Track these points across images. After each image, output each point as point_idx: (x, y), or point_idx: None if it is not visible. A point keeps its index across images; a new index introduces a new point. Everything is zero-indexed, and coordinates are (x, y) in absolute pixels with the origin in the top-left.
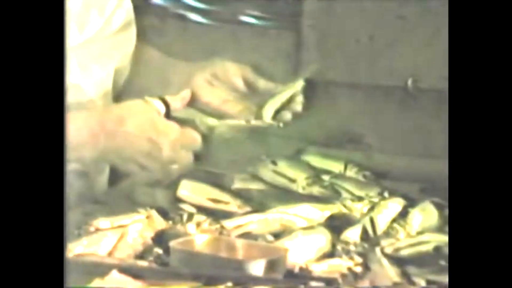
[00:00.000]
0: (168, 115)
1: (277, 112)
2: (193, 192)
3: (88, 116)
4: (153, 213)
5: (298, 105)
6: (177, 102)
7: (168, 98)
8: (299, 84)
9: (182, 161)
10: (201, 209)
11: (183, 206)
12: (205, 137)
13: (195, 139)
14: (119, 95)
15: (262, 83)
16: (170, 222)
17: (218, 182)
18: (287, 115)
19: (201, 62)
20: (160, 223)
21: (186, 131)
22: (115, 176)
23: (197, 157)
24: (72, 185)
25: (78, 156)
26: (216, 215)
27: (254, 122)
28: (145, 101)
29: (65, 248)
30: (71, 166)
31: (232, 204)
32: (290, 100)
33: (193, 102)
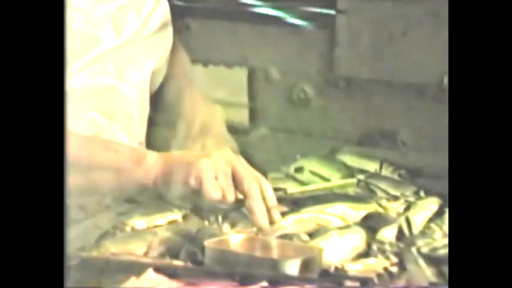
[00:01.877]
0: None
1: None
2: None
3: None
4: (188, 213)
5: None
6: None
7: None
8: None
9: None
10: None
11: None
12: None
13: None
14: (155, 96)
15: None
16: (206, 222)
17: None
18: None
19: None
20: (195, 223)
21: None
22: None
23: None
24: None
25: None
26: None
27: None
28: None
29: (65, 248)
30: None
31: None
32: None
33: None
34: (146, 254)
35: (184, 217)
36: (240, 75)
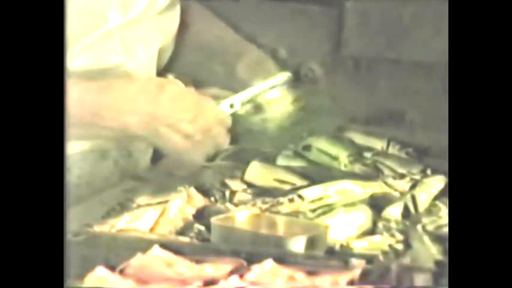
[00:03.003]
0: None
1: None
2: (260, 174)
3: (129, 83)
4: (192, 191)
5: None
6: None
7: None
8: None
9: (221, 137)
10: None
11: (229, 182)
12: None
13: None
14: (162, 74)
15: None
16: (212, 199)
17: (264, 160)
18: None
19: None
20: (200, 200)
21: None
22: (159, 154)
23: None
24: (117, 162)
25: (119, 125)
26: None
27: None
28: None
29: (65, 235)
30: (115, 145)
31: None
32: None
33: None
34: (151, 230)
35: (189, 195)
36: None
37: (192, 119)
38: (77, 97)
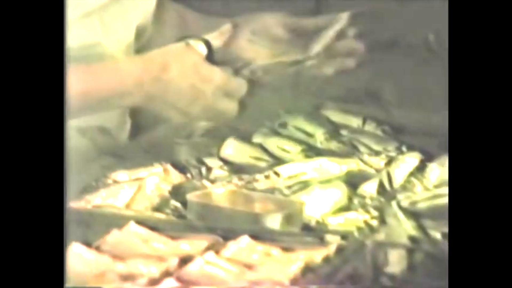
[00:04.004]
0: (211, 58)
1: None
2: (236, 151)
3: (132, 63)
4: (169, 167)
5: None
6: (218, 40)
7: (209, 37)
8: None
9: (226, 110)
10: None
11: (205, 159)
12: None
13: (241, 86)
14: (140, 51)
15: (306, 22)
16: (188, 175)
17: (240, 138)
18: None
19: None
20: (177, 177)
21: (231, 78)
22: (137, 130)
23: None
24: (94, 140)
25: (121, 104)
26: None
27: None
28: (187, 44)
29: (65, 210)
30: (94, 122)
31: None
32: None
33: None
34: (127, 207)
35: (165, 171)
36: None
37: (194, 98)
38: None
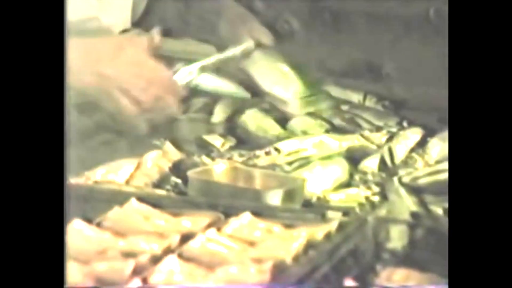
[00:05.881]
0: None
1: None
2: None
3: (92, 42)
4: (168, 145)
5: None
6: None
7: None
8: None
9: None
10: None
11: (208, 138)
12: None
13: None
14: (137, 25)
15: None
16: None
17: None
18: None
19: None
20: (176, 154)
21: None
22: None
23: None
24: (91, 116)
25: (79, 85)
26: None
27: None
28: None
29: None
30: (90, 98)
31: None
32: None
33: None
34: (128, 183)
35: (165, 149)
36: None
37: (145, 86)
38: None
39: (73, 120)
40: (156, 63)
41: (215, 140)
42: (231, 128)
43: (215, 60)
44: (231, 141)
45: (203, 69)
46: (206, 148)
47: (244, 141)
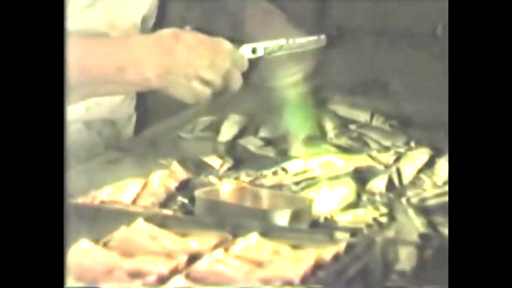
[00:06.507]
0: None
1: None
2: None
3: (144, 38)
4: (175, 164)
5: None
6: None
7: None
8: None
9: (234, 80)
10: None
11: (207, 159)
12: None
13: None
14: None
15: None
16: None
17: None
18: None
19: None
20: (182, 173)
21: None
22: (141, 124)
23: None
24: (100, 133)
25: (140, 78)
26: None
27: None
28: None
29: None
30: (98, 115)
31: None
32: None
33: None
34: (134, 202)
35: (171, 168)
36: None
37: (210, 64)
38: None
39: (80, 138)
40: (215, 39)
41: (216, 160)
42: (235, 147)
43: (280, 44)
44: (230, 163)
45: (266, 49)
46: (212, 168)
47: (249, 161)
